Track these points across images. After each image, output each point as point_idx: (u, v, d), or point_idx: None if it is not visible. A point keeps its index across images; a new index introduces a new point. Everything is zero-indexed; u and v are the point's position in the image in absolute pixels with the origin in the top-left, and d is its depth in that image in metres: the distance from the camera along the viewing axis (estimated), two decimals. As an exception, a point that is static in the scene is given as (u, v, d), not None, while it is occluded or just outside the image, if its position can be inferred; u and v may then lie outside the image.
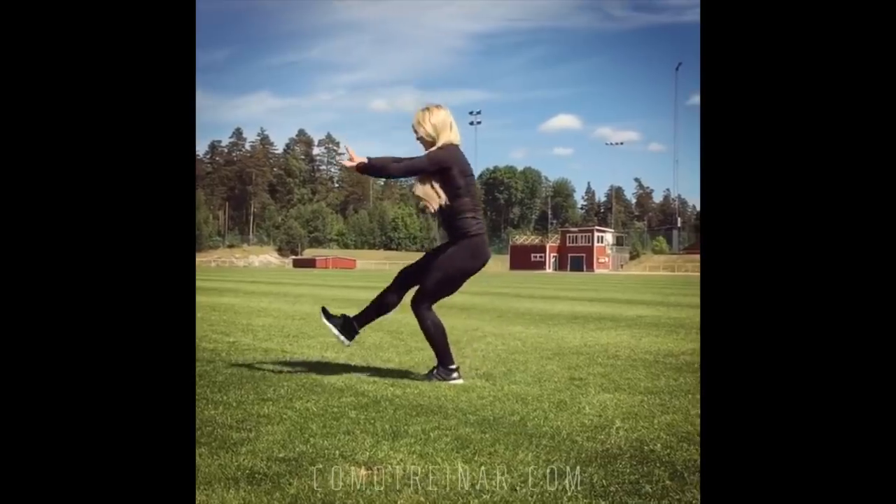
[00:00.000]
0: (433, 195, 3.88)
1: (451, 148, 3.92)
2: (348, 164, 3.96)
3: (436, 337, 4.00)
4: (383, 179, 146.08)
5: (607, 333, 7.00)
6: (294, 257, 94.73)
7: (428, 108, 3.98)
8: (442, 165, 3.87)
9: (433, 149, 3.92)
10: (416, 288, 4.07)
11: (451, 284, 4.02)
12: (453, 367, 3.99)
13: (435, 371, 4.00)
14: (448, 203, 3.89)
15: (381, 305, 4.12)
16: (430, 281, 3.98)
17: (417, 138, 4.00)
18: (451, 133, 3.95)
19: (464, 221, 3.92)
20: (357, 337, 4.16)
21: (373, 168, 3.94)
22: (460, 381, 3.92)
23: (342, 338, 4.11)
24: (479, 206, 4.06)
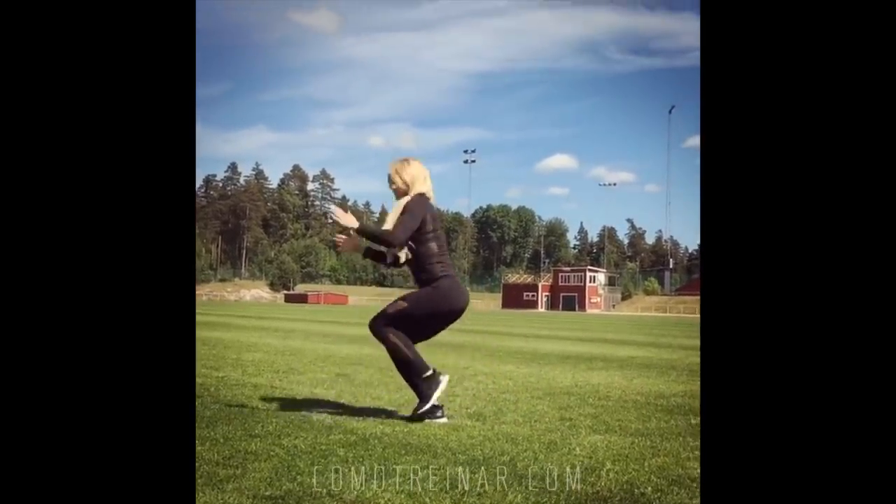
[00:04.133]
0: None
1: (423, 198, 4.02)
2: (341, 220, 3.96)
3: (399, 356, 3.95)
4: (377, 217, 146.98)
5: (598, 374, 6.98)
6: (286, 292, 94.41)
7: (405, 160, 4.12)
8: (423, 216, 3.95)
9: (406, 198, 4.01)
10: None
11: (415, 322, 3.95)
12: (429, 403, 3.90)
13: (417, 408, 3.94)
14: (416, 249, 3.97)
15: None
16: (392, 307, 3.98)
17: (392, 188, 4.11)
18: (424, 184, 4.06)
19: (431, 267, 3.97)
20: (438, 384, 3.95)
21: (364, 231, 3.98)
22: (444, 420, 3.89)
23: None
24: (446, 252, 4.08)
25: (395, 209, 4.00)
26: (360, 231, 3.96)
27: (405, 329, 3.97)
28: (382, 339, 3.99)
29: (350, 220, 3.93)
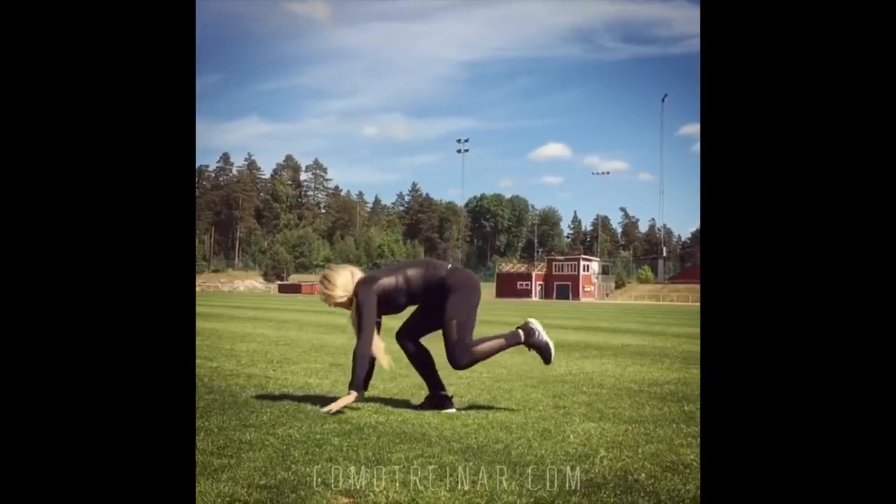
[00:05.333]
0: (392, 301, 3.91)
1: (362, 285, 3.87)
2: (344, 403, 3.73)
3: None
4: (370, 207, 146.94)
5: (592, 362, 7.00)
6: (279, 282, 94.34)
7: (321, 278, 3.97)
8: (377, 295, 3.84)
9: (356, 300, 3.85)
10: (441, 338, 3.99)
11: (471, 322, 3.95)
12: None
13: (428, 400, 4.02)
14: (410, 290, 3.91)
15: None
16: (451, 333, 3.87)
17: (339, 304, 3.94)
18: (354, 275, 3.94)
19: (431, 278, 3.89)
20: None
21: (361, 379, 3.76)
22: (453, 410, 3.94)
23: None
24: (429, 263, 4.00)
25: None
26: (360, 389, 3.74)
27: (470, 332, 3.94)
28: (474, 362, 3.96)
29: (350, 399, 3.70)
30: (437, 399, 3.98)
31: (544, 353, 4.05)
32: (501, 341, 3.99)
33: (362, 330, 3.78)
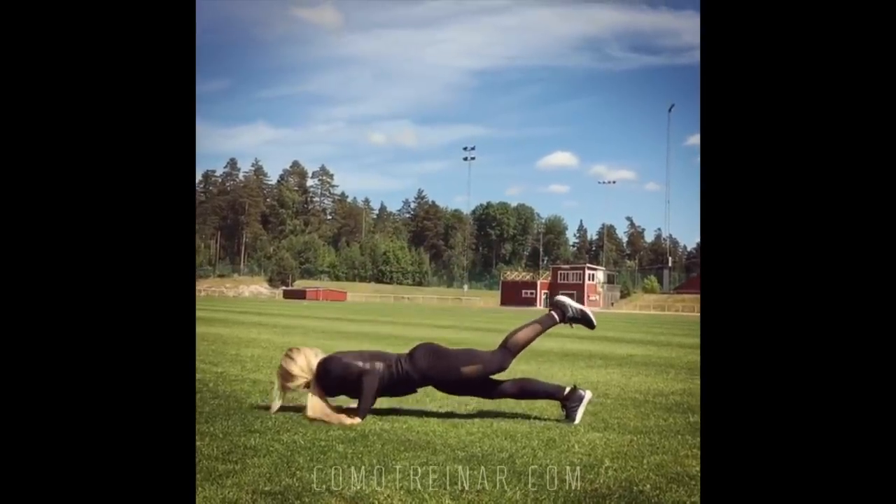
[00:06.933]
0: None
1: (332, 359, 3.87)
2: (346, 423, 3.67)
3: (527, 392, 4.02)
4: (376, 213, 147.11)
5: (597, 371, 6.98)
6: (284, 288, 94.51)
7: (288, 361, 3.90)
8: (346, 371, 3.80)
9: (316, 380, 3.82)
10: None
11: (466, 354, 3.98)
12: (568, 389, 3.97)
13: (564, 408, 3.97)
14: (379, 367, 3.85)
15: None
16: (480, 372, 3.91)
17: (303, 388, 3.90)
18: (315, 358, 3.90)
19: (397, 373, 3.83)
20: None
21: (368, 410, 3.79)
22: (589, 394, 4.01)
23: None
24: (378, 353, 3.96)
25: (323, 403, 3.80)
26: (365, 413, 3.77)
27: (476, 354, 3.98)
28: (517, 354, 4.02)
29: (354, 423, 3.65)
30: (567, 401, 3.94)
31: (586, 321, 4.06)
32: (537, 327, 4.02)
33: (364, 378, 3.77)
